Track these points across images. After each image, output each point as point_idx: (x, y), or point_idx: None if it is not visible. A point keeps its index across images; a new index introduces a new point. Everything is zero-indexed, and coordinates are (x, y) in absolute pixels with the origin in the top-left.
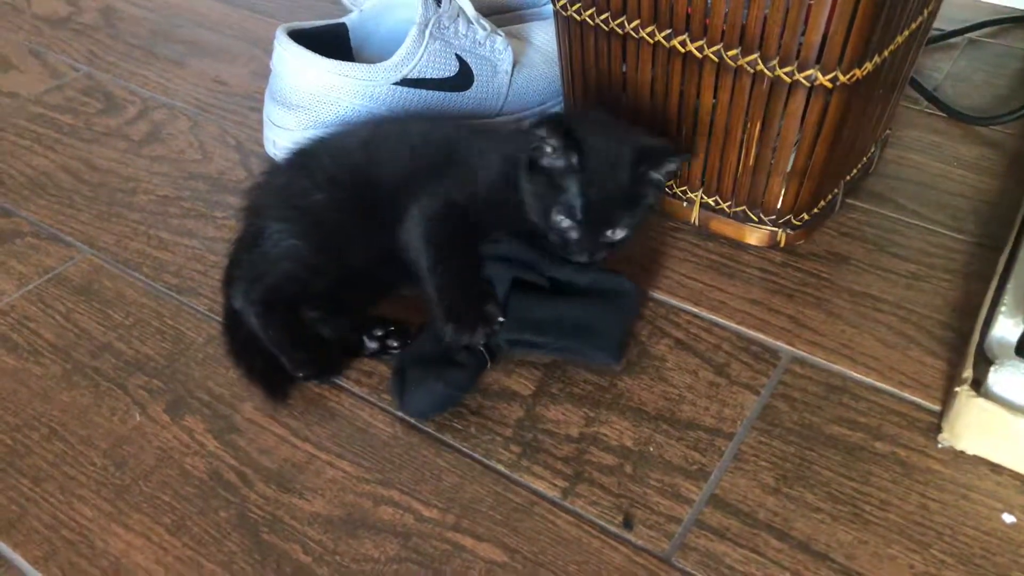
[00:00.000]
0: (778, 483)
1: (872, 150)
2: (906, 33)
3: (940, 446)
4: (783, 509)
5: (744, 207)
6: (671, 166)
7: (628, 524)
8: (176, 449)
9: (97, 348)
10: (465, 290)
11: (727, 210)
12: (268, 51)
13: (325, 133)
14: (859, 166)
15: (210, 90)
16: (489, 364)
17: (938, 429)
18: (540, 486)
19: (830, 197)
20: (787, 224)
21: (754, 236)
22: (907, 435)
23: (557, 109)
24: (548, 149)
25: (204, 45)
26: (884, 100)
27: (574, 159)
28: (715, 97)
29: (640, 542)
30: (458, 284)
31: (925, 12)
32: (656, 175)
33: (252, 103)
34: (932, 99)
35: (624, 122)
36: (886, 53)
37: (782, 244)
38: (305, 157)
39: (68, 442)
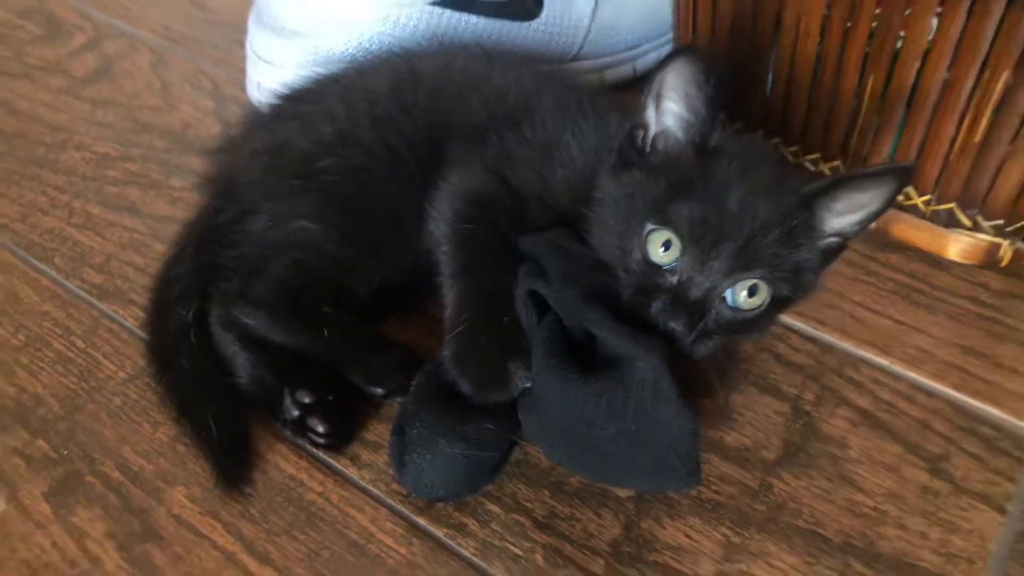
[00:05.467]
0: None
1: None
2: None
3: None
4: None
5: (953, 204)
6: (872, 205)
7: None
8: (53, 567)
9: None
10: (490, 326)
11: (922, 208)
12: None
13: (330, 72)
14: None
15: (187, 16)
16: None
17: None
18: None
19: None
20: (1018, 233)
21: (959, 248)
22: None
23: (654, 58)
24: (667, 120)
25: None
26: None
27: (713, 138)
28: (936, 35)
29: None
30: (483, 314)
31: None
32: (834, 218)
33: (241, 35)
34: None
35: None
36: None
37: (1004, 262)
38: (303, 103)
39: None
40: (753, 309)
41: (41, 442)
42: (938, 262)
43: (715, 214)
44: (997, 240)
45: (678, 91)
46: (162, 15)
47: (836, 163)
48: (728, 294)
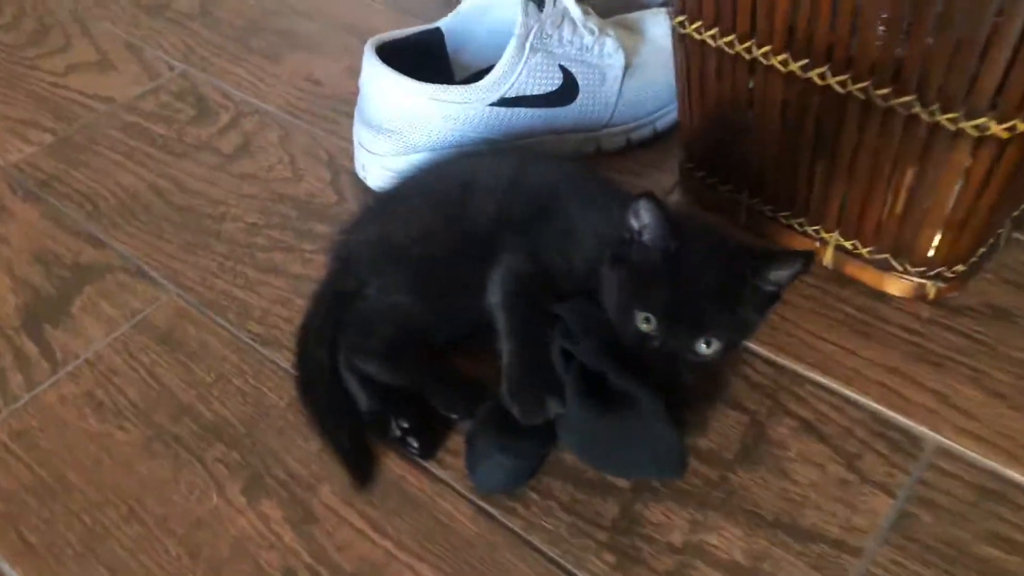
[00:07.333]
0: None
1: None
2: None
3: None
4: None
5: (888, 255)
6: (784, 273)
7: None
8: (252, 539)
9: (178, 410)
10: (533, 370)
11: (867, 256)
12: (365, 42)
13: (418, 170)
14: None
15: (302, 91)
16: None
17: None
18: None
19: (992, 241)
20: (938, 276)
21: (897, 286)
22: None
23: (671, 118)
24: (644, 234)
25: (299, 36)
26: None
27: (673, 245)
28: (859, 135)
29: None
30: (528, 361)
31: None
32: (763, 283)
33: (347, 107)
34: None
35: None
36: None
37: (931, 297)
38: (399, 202)
39: (145, 524)
40: (711, 354)
41: (234, 453)
42: (881, 295)
43: (678, 297)
44: (923, 281)
45: (646, 219)
46: (284, 90)
47: (801, 219)
48: (696, 347)
